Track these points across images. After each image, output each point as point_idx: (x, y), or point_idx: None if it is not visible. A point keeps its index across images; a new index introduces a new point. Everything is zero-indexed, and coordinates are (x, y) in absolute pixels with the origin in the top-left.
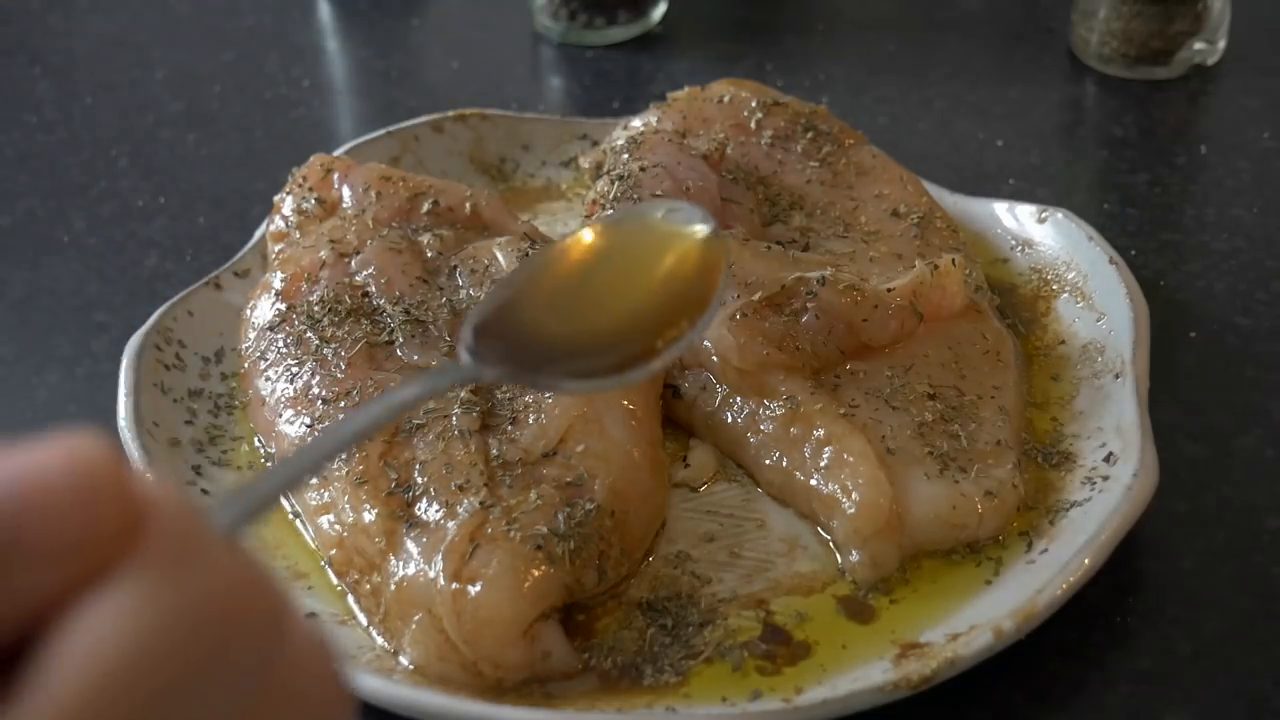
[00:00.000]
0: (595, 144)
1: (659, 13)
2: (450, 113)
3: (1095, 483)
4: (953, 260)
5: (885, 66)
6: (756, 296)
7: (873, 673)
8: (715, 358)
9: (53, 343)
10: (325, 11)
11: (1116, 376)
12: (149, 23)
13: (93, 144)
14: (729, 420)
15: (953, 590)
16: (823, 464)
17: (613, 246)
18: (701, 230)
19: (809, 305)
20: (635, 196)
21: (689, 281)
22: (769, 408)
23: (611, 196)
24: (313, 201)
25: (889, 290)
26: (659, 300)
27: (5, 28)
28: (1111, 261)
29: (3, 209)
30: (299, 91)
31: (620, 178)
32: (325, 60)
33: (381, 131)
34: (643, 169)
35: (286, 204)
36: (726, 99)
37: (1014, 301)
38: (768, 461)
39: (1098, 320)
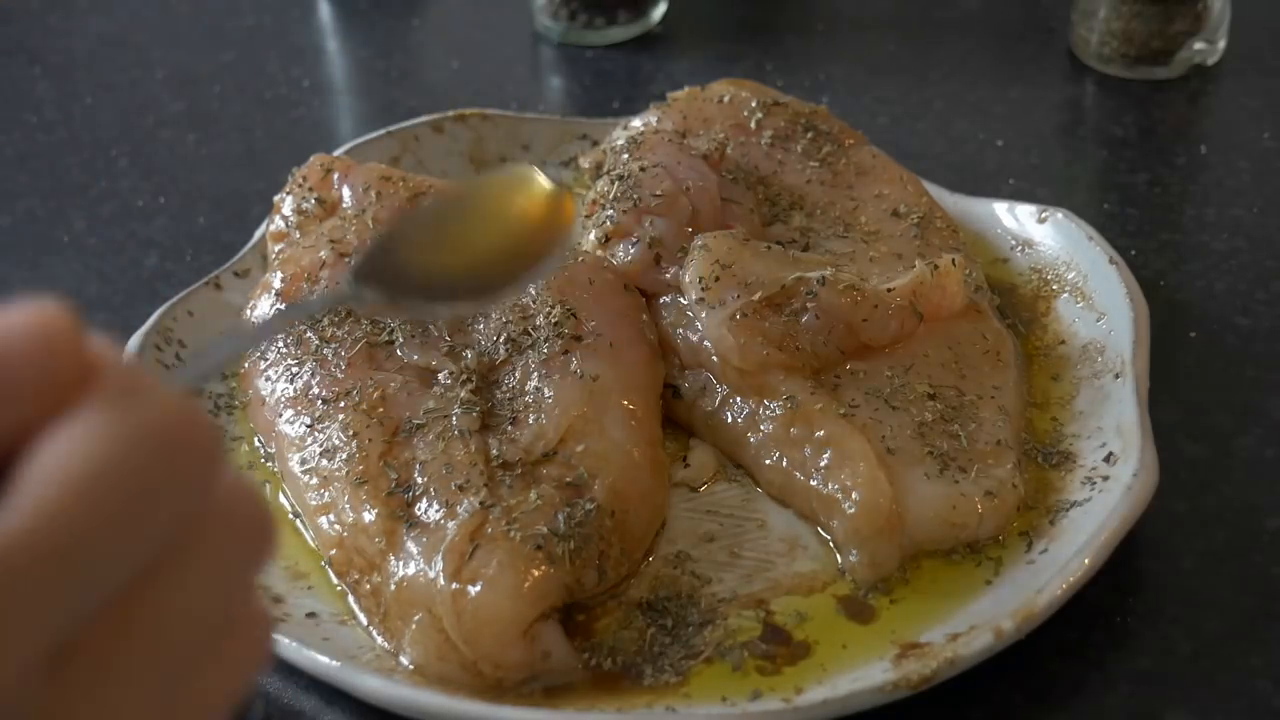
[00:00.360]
0: (595, 144)
1: (659, 13)
2: (450, 113)
3: (1095, 483)
4: (953, 260)
5: (885, 66)
6: (756, 296)
7: (873, 673)
8: (715, 358)
9: None
10: (325, 11)
11: (1116, 376)
12: (149, 23)
13: (93, 144)
14: (729, 420)
15: (953, 590)
16: (823, 464)
17: (471, 198)
18: (550, 185)
19: (809, 305)
20: (635, 196)
21: (541, 225)
22: (769, 408)
23: (611, 196)
24: (313, 201)
25: (889, 290)
26: (516, 240)
27: (5, 28)
28: (1111, 261)
29: (3, 209)
30: (299, 91)
31: (620, 178)
32: (325, 60)
33: (381, 131)
34: (643, 169)
35: (286, 204)
36: (726, 99)
37: (1014, 301)
38: (768, 461)
39: (1098, 320)
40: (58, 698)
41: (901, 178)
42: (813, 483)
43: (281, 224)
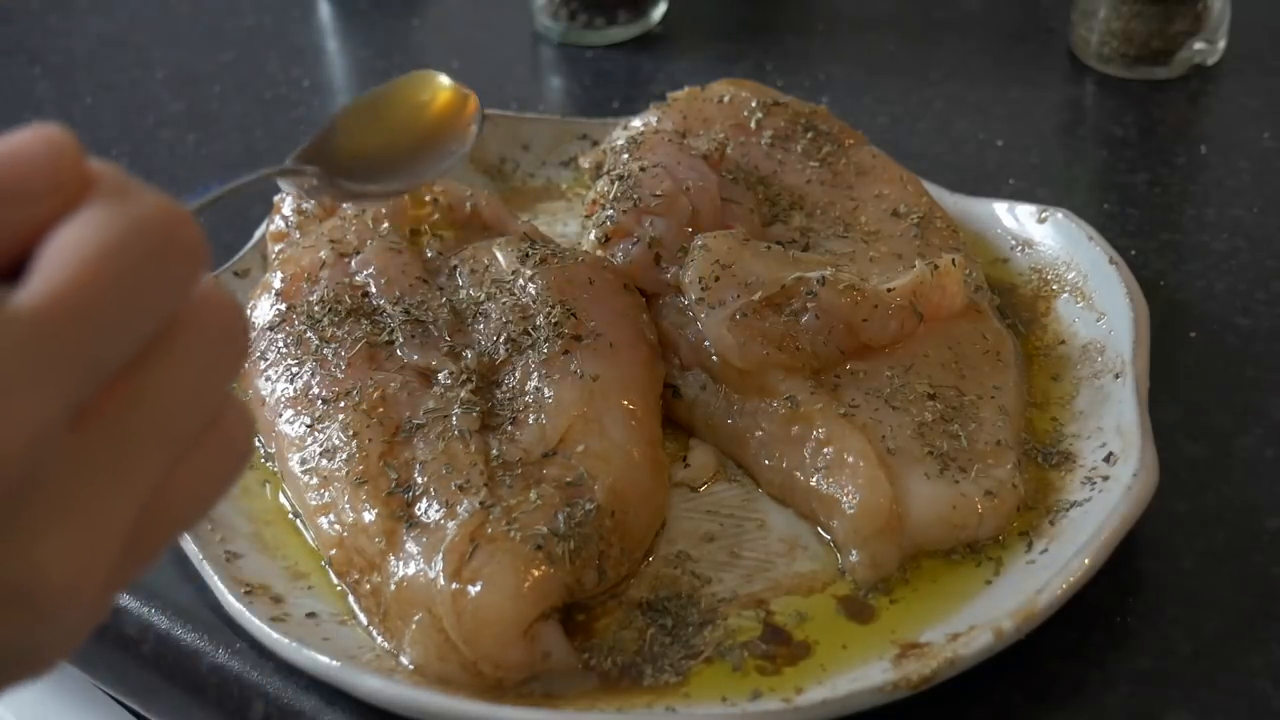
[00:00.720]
0: (595, 144)
1: (659, 13)
2: None
3: (1095, 483)
4: (953, 260)
5: (885, 66)
6: (756, 296)
7: (873, 673)
8: (715, 358)
9: None
10: (325, 11)
11: (1116, 376)
12: (149, 23)
13: (93, 144)
14: (729, 420)
15: (953, 590)
16: (822, 464)
17: (386, 97)
18: (451, 85)
19: (809, 305)
20: (635, 196)
21: (451, 118)
22: (769, 408)
23: (611, 196)
24: (313, 201)
25: (889, 290)
26: (426, 131)
27: (5, 28)
28: (1111, 261)
29: None
30: (299, 91)
31: (620, 178)
32: (325, 60)
33: None
34: (643, 169)
35: (286, 204)
36: (726, 99)
37: (1014, 301)
38: (768, 461)
39: (1098, 320)
40: (75, 453)
41: (901, 178)
42: (813, 483)
43: (281, 224)
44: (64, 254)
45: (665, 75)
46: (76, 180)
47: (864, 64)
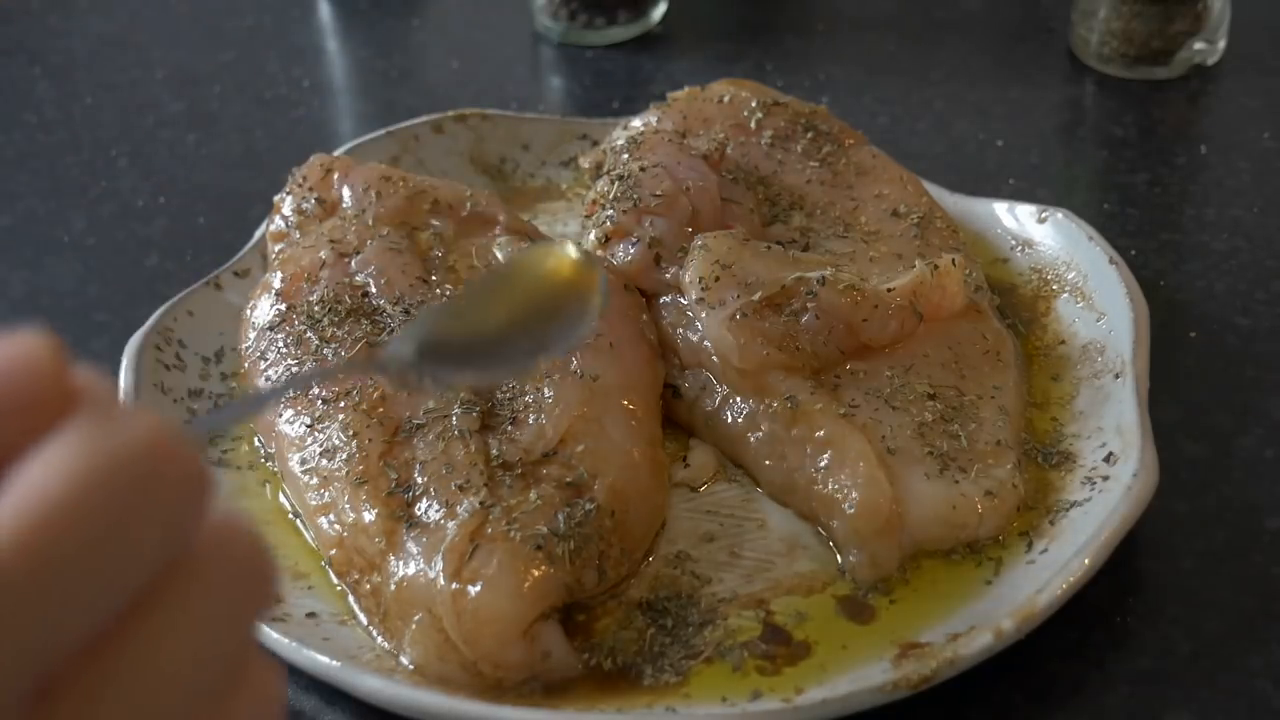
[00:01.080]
0: (595, 144)
1: (659, 13)
2: (450, 113)
3: (1095, 483)
4: (953, 260)
5: (885, 66)
6: (756, 296)
7: (873, 673)
8: (715, 358)
9: None
10: (325, 11)
11: (1116, 376)
12: (149, 23)
13: (93, 144)
14: (729, 420)
15: (953, 590)
16: (823, 464)
17: (501, 274)
18: (575, 255)
19: (809, 305)
20: (635, 196)
21: (570, 297)
22: (769, 407)
23: (611, 196)
24: (313, 201)
25: (889, 290)
26: (542, 308)
27: (5, 28)
28: (1111, 261)
29: (3, 209)
30: (299, 91)
31: (620, 178)
32: (325, 60)
33: (381, 131)
34: (643, 169)
35: (286, 204)
36: (726, 99)
37: (1014, 301)
38: (768, 461)
39: (1098, 320)
40: None
41: (901, 178)
42: (813, 483)
43: (281, 224)
44: (22, 495)
45: (665, 75)
46: (55, 400)
47: (864, 64)
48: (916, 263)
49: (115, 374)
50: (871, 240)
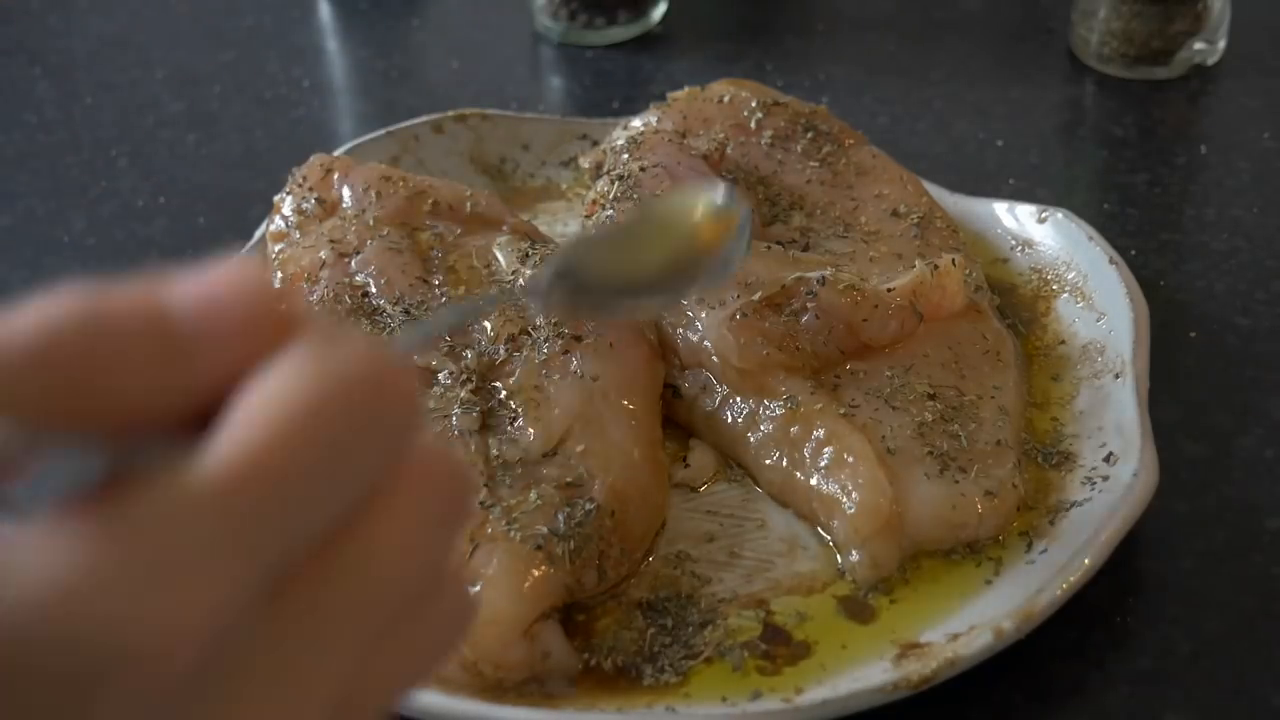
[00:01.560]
0: (595, 144)
1: (659, 13)
2: (450, 113)
3: (1095, 483)
4: (953, 260)
5: (885, 66)
6: (756, 296)
7: (873, 673)
8: (715, 358)
9: None
10: (325, 11)
11: (1116, 376)
12: (149, 23)
13: (93, 144)
14: (729, 420)
15: (953, 590)
16: (823, 464)
17: (648, 214)
18: (719, 196)
19: (809, 305)
20: (635, 196)
21: (712, 238)
22: (769, 408)
23: (611, 196)
24: (313, 201)
25: (889, 290)
26: (688, 249)
27: (5, 28)
28: (1111, 261)
29: (3, 209)
30: (299, 91)
31: (620, 178)
32: (325, 60)
33: (381, 131)
34: (643, 169)
35: (286, 204)
36: (726, 99)
37: (1014, 301)
38: (768, 461)
39: (1098, 320)
40: (267, 631)
41: (901, 178)
42: (813, 482)
43: (281, 224)
44: (255, 414)
45: (665, 75)
46: (274, 324)
47: (864, 64)
48: (916, 263)
49: None
50: (871, 240)
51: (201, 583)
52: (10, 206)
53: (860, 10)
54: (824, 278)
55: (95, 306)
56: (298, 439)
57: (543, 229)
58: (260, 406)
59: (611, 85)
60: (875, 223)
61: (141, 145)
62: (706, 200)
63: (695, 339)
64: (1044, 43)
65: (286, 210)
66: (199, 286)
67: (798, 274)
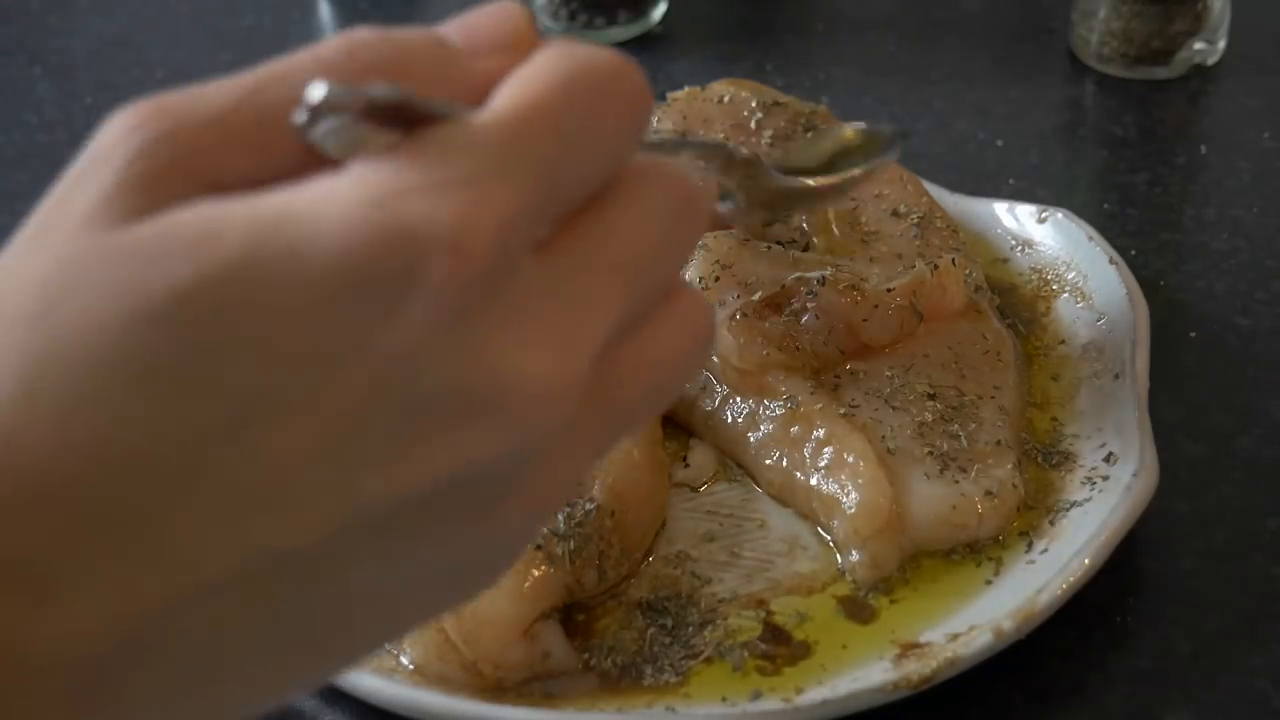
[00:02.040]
0: None
1: (659, 13)
2: None
3: (1095, 483)
4: (952, 260)
5: (885, 66)
6: (756, 297)
7: (873, 673)
8: (715, 358)
9: None
10: (325, 11)
11: (1116, 376)
12: (149, 23)
13: None
14: (729, 420)
15: (953, 590)
16: (823, 464)
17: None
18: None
19: (809, 305)
20: None
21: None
22: (769, 408)
23: None
24: None
25: (889, 290)
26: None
27: (5, 28)
28: (1111, 261)
29: (3, 209)
30: None
31: None
32: None
33: None
34: None
35: None
36: (726, 99)
37: (1014, 301)
38: (768, 461)
39: (1098, 320)
40: (537, 272)
41: (901, 178)
42: (812, 482)
43: None
44: (524, 80)
45: (665, 75)
46: (530, 41)
47: (864, 64)
48: (917, 263)
49: None
50: (871, 240)
51: (494, 192)
52: (10, 206)
53: (860, 10)
54: (824, 278)
55: (382, 31)
56: (558, 98)
57: None
58: (523, 78)
59: None
60: (875, 223)
61: None
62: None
63: None
64: (1044, 43)
65: None
66: (459, 24)
67: (798, 274)
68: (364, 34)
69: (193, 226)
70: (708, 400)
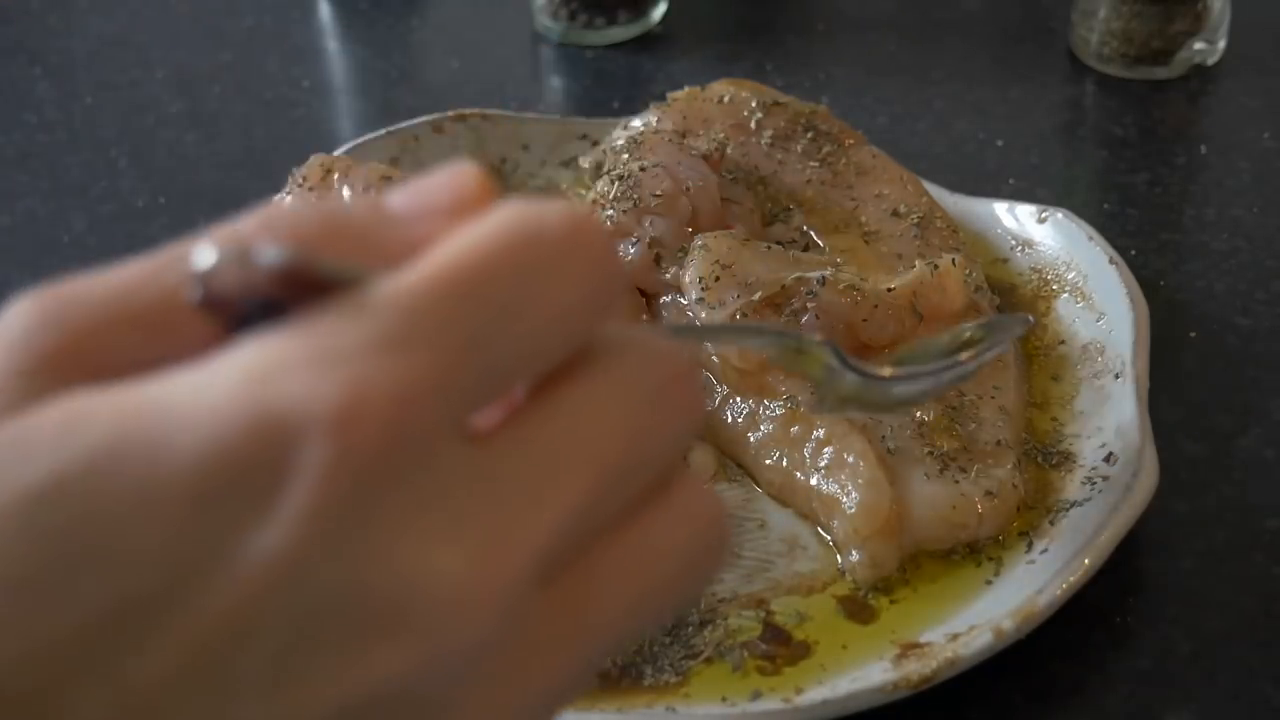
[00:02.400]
0: (595, 144)
1: (659, 13)
2: (450, 113)
3: (1095, 483)
4: (953, 260)
5: (885, 66)
6: (756, 297)
7: (873, 673)
8: (715, 358)
9: None
10: (325, 11)
11: (1116, 376)
12: (149, 23)
13: (93, 144)
14: (729, 420)
15: (953, 590)
16: (822, 464)
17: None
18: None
19: (809, 305)
20: (635, 197)
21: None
22: (769, 408)
23: (611, 196)
24: (313, 202)
25: (889, 290)
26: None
27: (5, 28)
28: (1111, 261)
29: (3, 209)
30: (299, 91)
31: (620, 178)
32: (325, 60)
33: (382, 131)
34: (642, 169)
35: (286, 204)
36: (726, 99)
37: (1014, 301)
38: (768, 461)
39: (1098, 320)
40: (464, 459)
41: (901, 178)
42: (812, 482)
43: None
44: (455, 241)
45: (665, 75)
46: (482, 202)
47: (864, 64)
48: (917, 263)
49: None
50: (872, 240)
51: (391, 365)
52: (10, 206)
53: (860, 10)
54: (824, 278)
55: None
56: (498, 257)
57: None
58: (464, 235)
59: (611, 85)
60: (875, 223)
61: (141, 145)
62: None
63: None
64: (1044, 43)
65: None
66: (407, 187)
67: (798, 274)
68: (291, 201)
69: (55, 421)
70: (708, 400)
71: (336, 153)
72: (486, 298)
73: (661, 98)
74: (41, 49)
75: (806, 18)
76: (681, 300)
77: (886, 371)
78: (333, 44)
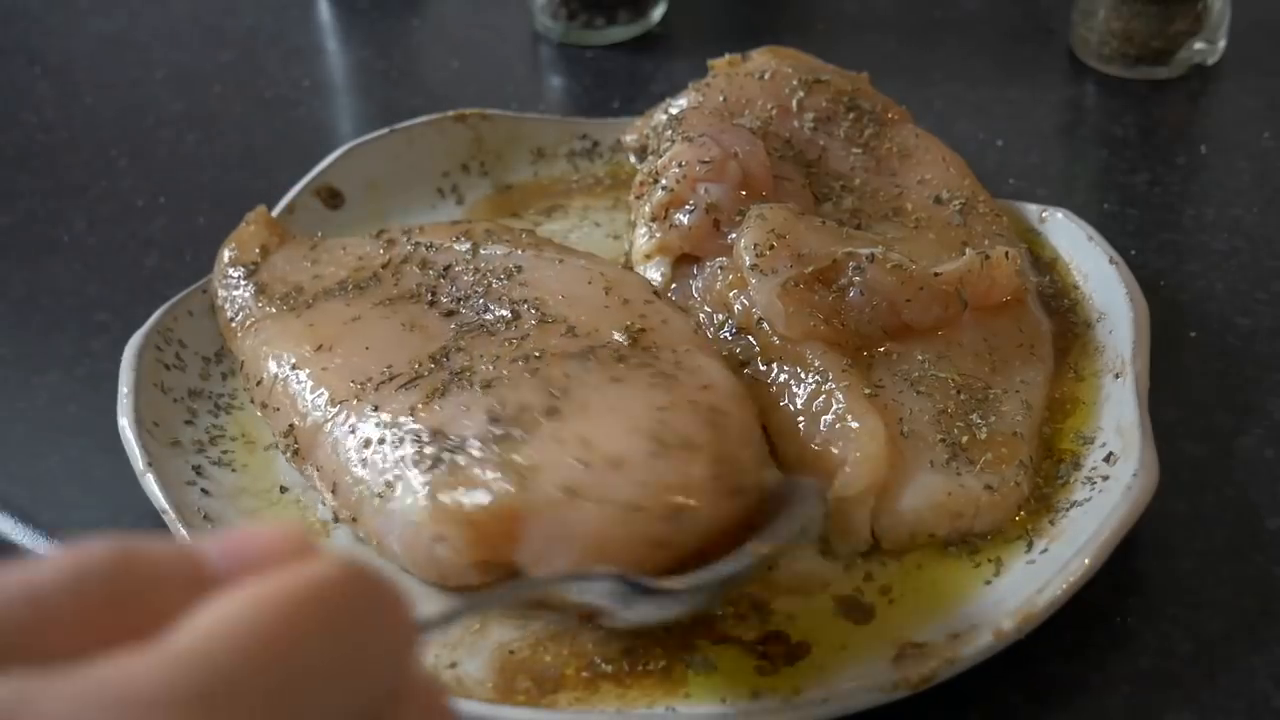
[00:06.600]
0: (595, 144)
1: (659, 13)
2: (450, 113)
3: (1095, 483)
4: (1005, 253)
5: (885, 66)
6: (809, 269)
7: (872, 673)
8: (762, 323)
9: (53, 343)
10: (325, 11)
11: (1116, 376)
12: (149, 23)
13: (93, 144)
14: (768, 388)
15: (953, 590)
16: (832, 434)
17: None
18: None
19: (856, 280)
20: (683, 163)
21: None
22: (801, 378)
23: (660, 168)
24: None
25: (936, 275)
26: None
27: (5, 28)
28: (1111, 261)
29: (3, 209)
30: (299, 91)
31: (668, 149)
32: (325, 60)
33: (382, 131)
34: (688, 139)
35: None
36: (767, 75)
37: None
38: (784, 435)
39: (1098, 320)
40: None
41: (944, 159)
42: (815, 446)
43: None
44: (206, 612)
45: (665, 75)
46: (264, 562)
47: (864, 64)
48: (967, 250)
49: (115, 374)
50: (920, 227)
51: None
52: (10, 206)
53: (860, 10)
54: (873, 255)
55: (130, 545)
56: (248, 635)
57: (542, 230)
58: (207, 611)
59: (611, 85)
60: (920, 209)
61: (141, 145)
62: None
63: (747, 303)
64: (1044, 43)
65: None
66: (222, 538)
67: (848, 249)
68: (93, 546)
69: None
70: (747, 370)
71: (336, 153)
72: (246, 681)
73: (661, 98)
74: (41, 49)
75: (806, 18)
76: (724, 263)
77: (679, 584)
78: (333, 44)
